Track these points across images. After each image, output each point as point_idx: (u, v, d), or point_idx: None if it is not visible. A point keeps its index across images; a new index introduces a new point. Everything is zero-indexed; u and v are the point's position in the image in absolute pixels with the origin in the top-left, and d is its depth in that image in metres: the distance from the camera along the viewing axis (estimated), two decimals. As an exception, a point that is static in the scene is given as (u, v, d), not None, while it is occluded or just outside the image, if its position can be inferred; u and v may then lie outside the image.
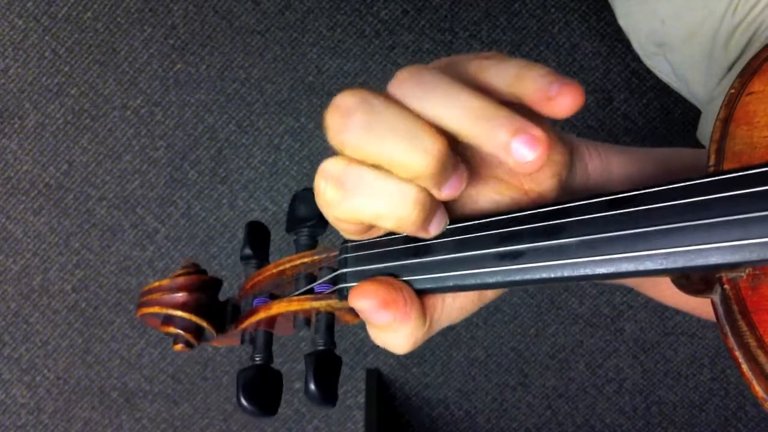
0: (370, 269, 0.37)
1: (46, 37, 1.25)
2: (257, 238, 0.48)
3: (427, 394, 1.29)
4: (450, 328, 1.27)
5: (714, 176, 0.31)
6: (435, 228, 0.34)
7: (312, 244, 0.44)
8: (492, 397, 1.29)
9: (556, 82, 0.30)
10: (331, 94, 1.24)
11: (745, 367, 0.31)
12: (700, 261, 0.30)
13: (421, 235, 0.34)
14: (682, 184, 0.31)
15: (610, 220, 0.32)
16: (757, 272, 0.30)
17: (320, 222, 0.45)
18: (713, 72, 0.64)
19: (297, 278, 0.43)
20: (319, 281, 0.41)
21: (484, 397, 1.28)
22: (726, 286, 0.30)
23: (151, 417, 1.30)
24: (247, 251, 0.47)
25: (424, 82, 0.31)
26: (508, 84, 0.31)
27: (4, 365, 1.30)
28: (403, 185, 0.31)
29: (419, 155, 0.30)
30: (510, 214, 0.35)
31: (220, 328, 0.46)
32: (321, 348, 0.40)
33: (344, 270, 0.38)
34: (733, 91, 0.34)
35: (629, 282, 0.52)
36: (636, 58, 0.78)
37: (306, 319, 0.42)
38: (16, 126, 1.27)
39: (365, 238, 0.37)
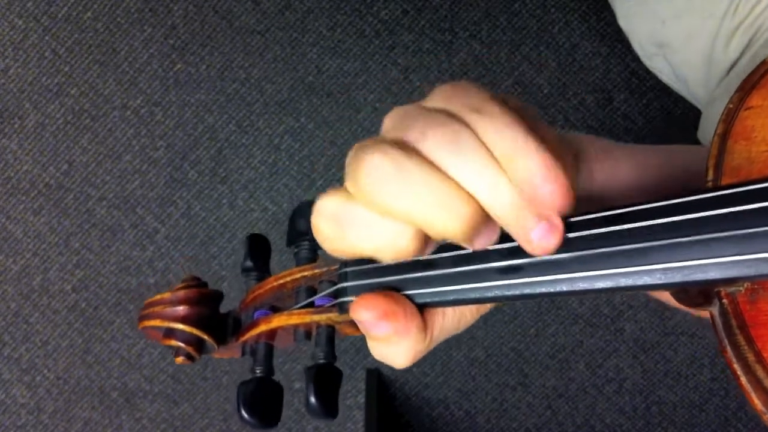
0: (370, 283, 0.37)
1: (46, 37, 1.25)
2: (258, 251, 0.48)
3: (427, 394, 1.29)
4: (450, 328, 1.27)
5: (712, 192, 0.31)
6: (432, 248, 0.34)
7: (312, 258, 0.44)
8: (492, 397, 1.29)
9: (549, 183, 0.30)
10: (331, 94, 1.24)
11: (743, 379, 0.31)
12: (698, 276, 0.30)
13: (420, 259, 0.34)
14: (680, 200, 0.31)
15: (609, 235, 0.32)
16: (756, 287, 0.30)
17: None
18: (713, 73, 0.64)
19: (297, 291, 0.43)
20: (320, 295, 0.41)
21: (484, 397, 1.28)
22: (724, 301, 0.30)
23: (151, 417, 1.30)
24: (248, 264, 0.47)
25: (461, 148, 0.30)
26: (499, 157, 0.31)
27: (4, 365, 1.30)
28: (398, 223, 0.31)
29: (453, 221, 0.30)
30: None
31: (221, 341, 0.46)
32: (321, 361, 0.41)
33: (344, 284, 0.39)
34: (731, 105, 0.34)
35: None
36: (636, 58, 0.78)
37: (306, 332, 0.42)
38: (16, 126, 1.27)
39: None
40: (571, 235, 0.33)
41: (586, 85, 1.22)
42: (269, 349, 0.45)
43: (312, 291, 0.42)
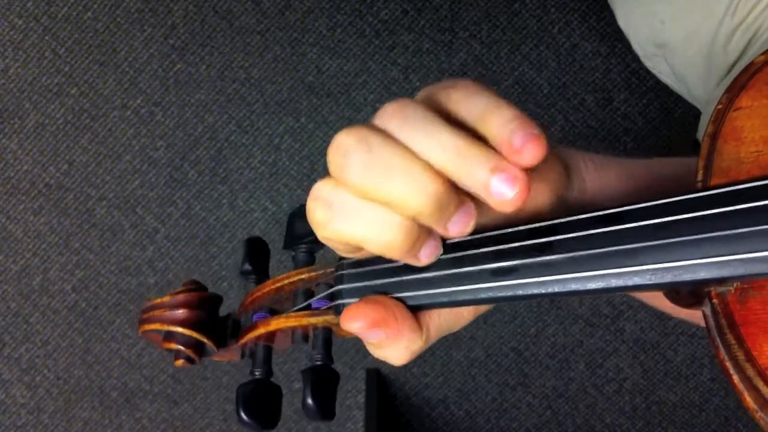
0: (365, 285, 0.38)
1: (46, 37, 1.25)
2: (257, 255, 0.48)
3: (427, 394, 1.29)
4: (450, 328, 1.27)
5: (701, 193, 0.31)
6: (426, 256, 0.34)
7: (310, 261, 0.45)
8: (492, 397, 1.29)
9: (519, 132, 0.30)
10: (331, 94, 1.24)
11: (735, 378, 0.31)
12: (688, 276, 0.30)
13: (412, 262, 0.34)
14: (670, 200, 0.32)
15: (600, 236, 0.32)
16: (745, 286, 0.30)
17: (318, 239, 0.45)
18: (713, 73, 0.64)
19: (295, 294, 0.43)
20: (317, 297, 0.42)
21: (484, 397, 1.28)
22: (714, 301, 0.31)
23: (151, 417, 1.31)
24: (247, 267, 0.48)
25: (407, 116, 0.31)
26: (474, 122, 0.31)
27: (4, 365, 1.30)
28: (389, 212, 0.32)
29: (417, 195, 0.30)
30: (504, 230, 0.35)
31: (221, 344, 0.47)
32: (318, 363, 0.41)
33: (341, 286, 0.39)
34: (720, 106, 0.34)
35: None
36: (636, 58, 0.78)
37: (304, 334, 0.43)
38: (16, 126, 1.27)
39: (359, 256, 0.38)
40: (562, 236, 0.33)
41: (586, 85, 1.22)
42: (268, 352, 0.45)
43: (309, 294, 0.43)
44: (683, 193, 0.31)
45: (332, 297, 0.40)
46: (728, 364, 0.31)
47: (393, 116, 0.32)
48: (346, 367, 1.27)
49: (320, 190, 0.32)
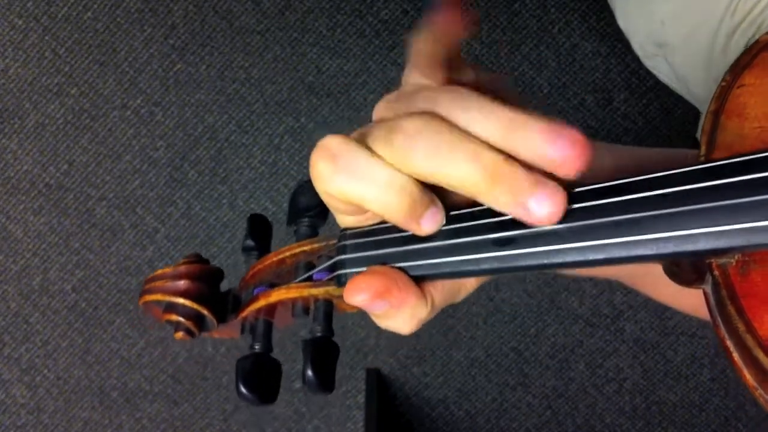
0: (367, 256, 0.38)
1: (46, 37, 1.25)
2: (259, 231, 0.48)
3: (427, 394, 1.29)
4: (450, 328, 1.27)
5: (703, 164, 0.32)
6: (428, 224, 0.34)
7: (312, 234, 0.45)
8: (492, 397, 1.29)
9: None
10: (331, 94, 1.24)
11: (735, 355, 0.31)
12: (689, 246, 0.30)
13: (413, 229, 0.34)
14: (672, 171, 0.32)
15: (601, 207, 0.32)
16: (747, 258, 0.30)
17: (320, 213, 0.45)
18: (713, 73, 0.64)
19: (297, 267, 0.43)
20: (318, 268, 0.41)
21: (484, 397, 1.28)
22: (716, 272, 0.31)
23: (151, 417, 1.31)
24: (249, 242, 0.47)
25: (458, 95, 0.32)
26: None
27: (4, 365, 1.30)
28: (393, 172, 0.32)
29: (482, 172, 0.31)
30: None
31: (221, 318, 0.46)
32: (319, 335, 0.41)
33: (342, 257, 0.39)
34: (724, 83, 0.35)
35: (628, 281, 0.52)
36: (636, 58, 0.79)
37: (305, 307, 0.43)
38: (16, 126, 1.27)
39: (362, 224, 0.38)
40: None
41: (586, 85, 1.22)
42: (268, 326, 0.45)
43: (311, 266, 0.43)
44: (686, 166, 0.32)
45: (334, 267, 0.40)
46: (728, 342, 0.31)
47: (450, 101, 0.32)
48: (346, 367, 1.27)
49: (327, 142, 0.33)
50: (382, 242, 0.37)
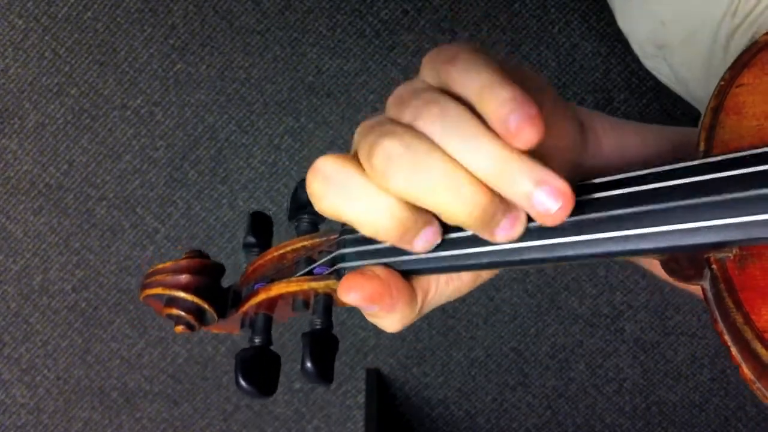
0: (367, 250, 0.38)
1: (46, 37, 1.25)
2: (260, 227, 0.48)
3: (427, 394, 1.29)
4: (450, 328, 1.27)
5: (702, 160, 0.32)
6: (420, 245, 0.34)
7: (313, 231, 0.45)
8: (492, 397, 1.29)
9: (515, 113, 0.29)
10: (331, 94, 1.24)
11: (734, 350, 0.32)
12: (688, 240, 0.31)
13: (406, 248, 0.34)
14: (671, 167, 0.32)
15: (600, 202, 0.33)
16: (744, 253, 0.31)
17: None
18: (713, 74, 0.64)
19: (297, 262, 0.44)
20: (318, 263, 0.42)
21: (484, 397, 1.28)
22: (714, 266, 0.31)
23: (151, 417, 1.31)
24: (250, 239, 0.48)
25: (449, 122, 0.31)
26: (473, 101, 0.31)
27: (4, 365, 1.30)
28: (384, 197, 0.32)
29: (463, 207, 0.31)
30: None
31: (222, 312, 0.47)
32: (318, 327, 0.41)
33: (342, 251, 0.39)
34: (723, 82, 0.35)
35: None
36: (636, 59, 0.78)
37: (305, 301, 0.43)
38: (16, 126, 1.27)
39: None
40: None
41: (586, 85, 1.22)
42: (268, 320, 0.45)
43: (311, 261, 0.43)
44: (685, 161, 0.32)
45: (333, 262, 0.40)
46: (727, 337, 0.32)
47: (435, 120, 0.31)
48: (346, 367, 1.27)
49: (321, 164, 0.33)
50: None
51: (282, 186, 1.25)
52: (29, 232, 1.28)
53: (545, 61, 1.22)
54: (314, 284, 0.41)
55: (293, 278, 0.42)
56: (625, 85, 1.21)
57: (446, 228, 0.35)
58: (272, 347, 0.44)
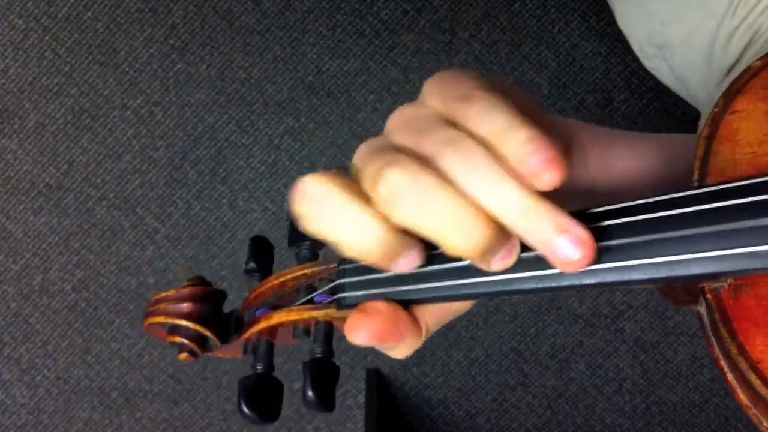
0: (367, 279, 0.38)
1: (46, 37, 1.25)
2: (261, 253, 0.49)
3: (427, 394, 1.29)
4: (450, 328, 1.27)
5: (695, 190, 0.32)
6: (401, 267, 0.34)
7: (313, 257, 0.45)
8: (492, 397, 1.29)
9: (537, 155, 0.29)
10: (331, 94, 1.24)
11: (729, 376, 0.32)
12: (681, 272, 0.31)
13: (386, 268, 0.34)
14: (664, 197, 0.32)
15: (593, 232, 0.32)
16: (738, 282, 0.31)
17: None
18: (713, 74, 0.64)
19: (298, 290, 0.44)
20: (318, 291, 0.42)
21: (484, 397, 1.29)
22: (708, 296, 0.31)
23: (151, 417, 1.31)
24: (252, 265, 0.48)
25: (471, 162, 0.31)
26: (492, 142, 0.31)
27: (4, 365, 1.30)
28: (367, 219, 0.32)
29: (467, 242, 0.31)
30: None
31: (224, 339, 0.47)
32: (319, 356, 0.41)
33: (342, 280, 0.40)
34: (717, 109, 0.35)
35: None
36: (636, 58, 0.78)
37: (305, 329, 0.43)
38: (16, 126, 1.27)
39: None
40: None
41: (586, 85, 1.22)
42: (270, 347, 0.45)
43: (312, 289, 0.43)
44: (679, 191, 0.32)
45: (334, 291, 0.41)
46: (722, 363, 0.32)
47: (458, 159, 0.31)
48: (346, 367, 1.27)
49: (307, 185, 0.33)
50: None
51: (282, 186, 1.25)
52: (29, 232, 1.28)
53: (545, 61, 1.22)
54: (315, 313, 0.42)
55: (294, 307, 0.43)
56: (625, 85, 1.21)
57: (447, 259, 0.35)
58: (274, 373, 0.45)
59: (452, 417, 1.29)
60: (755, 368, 0.29)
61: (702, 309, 0.32)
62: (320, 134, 1.25)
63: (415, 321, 0.37)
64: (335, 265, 0.41)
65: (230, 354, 0.50)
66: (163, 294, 0.47)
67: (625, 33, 0.75)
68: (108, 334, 1.29)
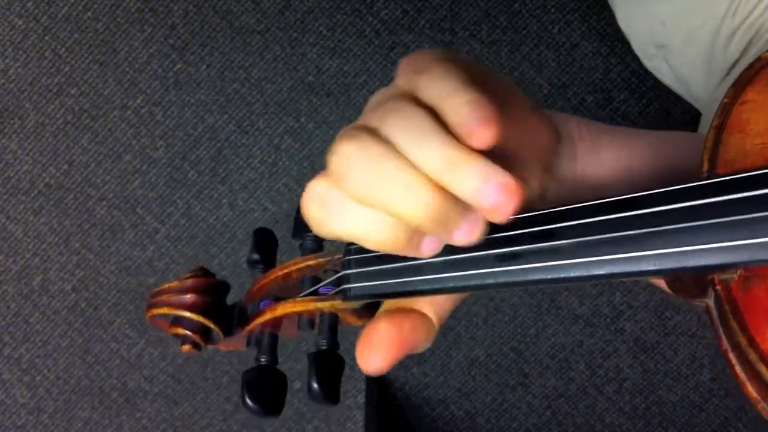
0: (372, 270, 0.38)
1: (46, 37, 1.25)
2: (265, 244, 0.49)
3: (427, 394, 1.29)
4: (450, 328, 1.27)
5: (706, 180, 0.32)
6: (427, 250, 0.34)
7: (317, 249, 0.45)
8: (492, 397, 1.29)
9: (472, 115, 0.30)
10: (331, 94, 1.24)
11: (738, 368, 0.31)
12: (691, 262, 0.31)
13: (414, 255, 0.34)
14: (675, 188, 0.32)
15: (604, 223, 0.33)
16: (748, 274, 0.31)
17: None
18: (713, 74, 0.64)
19: (302, 281, 0.44)
20: (324, 283, 0.42)
21: (484, 397, 1.28)
22: (717, 287, 0.31)
23: (151, 417, 1.31)
24: (255, 256, 0.48)
25: (404, 123, 0.31)
26: (436, 107, 0.32)
27: (4, 365, 1.30)
28: (379, 213, 0.32)
29: (417, 207, 0.31)
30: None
31: (227, 331, 0.47)
32: (324, 348, 0.41)
33: (348, 271, 0.39)
34: (726, 100, 0.34)
35: None
36: (636, 58, 0.79)
37: (310, 320, 0.43)
38: (16, 126, 1.27)
39: None
40: (566, 223, 0.34)
41: (586, 85, 1.22)
42: (274, 339, 0.45)
43: (317, 281, 0.43)
44: (689, 182, 0.32)
45: (339, 282, 0.40)
46: (731, 355, 0.31)
47: (395, 124, 0.32)
48: (346, 368, 1.27)
49: (316, 188, 0.33)
50: (386, 257, 0.37)
51: (282, 186, 1.25)
52: (29, 232, 1.28)
53: (545, 61, 1.22)
54: (320, 304, 0.41)
55: (298, 298, 0.42)
56: (625, 85, 1.21)
57: (453, 250, 0.35)
58: (278, 366, 0.44)
59: (452, 417, 1.29)
60: (765, 359, 0.29)
61: (710, 301, 0.32)
62: (320, 134, 1.25)
63: (423, 317, 0.37)
64: (340, 256, 0.41)
65: (233, 347, 0.49)
66: (166, 285, 0.47)
67: (626, 33, 0.75)
68: (108, 334, 1.29)
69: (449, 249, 0.35)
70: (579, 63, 1.22)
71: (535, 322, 1.26)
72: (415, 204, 0.31)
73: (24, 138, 1.27)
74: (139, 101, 1.26)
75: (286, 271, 0.44)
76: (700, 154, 0.34)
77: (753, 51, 0.59)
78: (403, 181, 0.31)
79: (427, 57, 0.34)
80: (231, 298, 0.49)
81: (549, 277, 0.34)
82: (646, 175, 0.40)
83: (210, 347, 0.48)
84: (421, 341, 0.37)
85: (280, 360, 0.44)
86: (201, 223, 1.27)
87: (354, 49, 1.23)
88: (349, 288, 0.39)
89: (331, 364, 0.41)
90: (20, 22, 1.25)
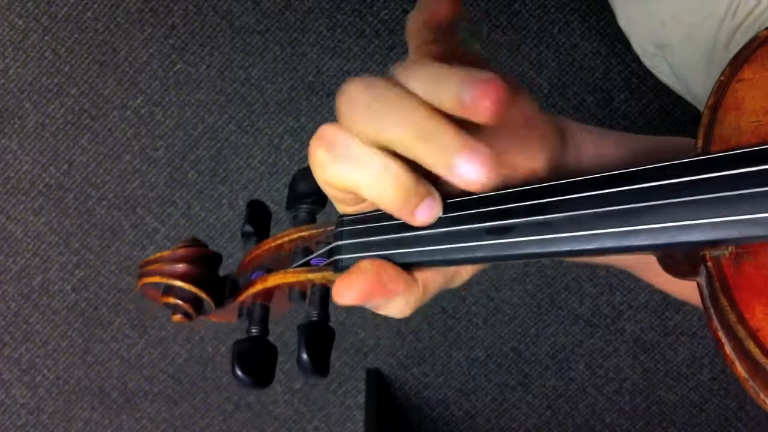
0: (364, 242, 0.38)
1: (46, 37, 1.25)
2: (259, 216, 0.49)
3: (427, 394, 1.29)
4: (450, 328, 1.27)
5: (699, 156, 0.32)
6: (423, 215, 0.34)
7: (310, 221, 0.45)
8: (492, 397, 1.29)
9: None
10: (331, 94, 1.24)
11: (727, 347, 0.31)
12: (683, 237, 0.31)
13: (408, 220, 0.34)
14: (668, 163, 0.32)
15: (596, 197, 0.33)
16: (740, 251, 0.31)
17: (319, 199, 0.46)
18: (713, 73, 0.64)
19: (294, 253, 0.44)
20: (315, 254, 0.42)
21: (484, 397, 1.28)
22: (709, 264, 0.31)
23: (151, 417, 1.31)
24: (248, 228, 0.48)
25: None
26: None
27: (4, 365, 1.30)
28: (387, 159, 0.32)
29: (411, 127, 0.32)
30: (500, 190, 0.36)
31: (219, 302, 0.47)
32: (314, 319, 0.41)
33: (339, 242, 0.39)
34: (723, 78, 0.35)
35: (626, 265, 0.52)
36: (636, 58, 0.78)
37: (301, 292, 0.43)
38: (16, 126, 1.27)
39: (360, 210, 0.39)
40: (558, 198, 0.34)
41: (586, 85, 1.22)
42: (265, 311, 0.45)
43: (309, 252, 0.43)
44: (682, 158, 0.32)
45: (331, 253, 0.40)
46: (720, 333, 0.31)
47: (398, 69, 0.33)
48: (346, 368, 1.27)
49: (325, 130, 0.33)
50: (378, 229, 0.38)
51: (282, 186, 1.25)
52: (29, 232, 1.28)
53: (545, 61, 1.22)
54: (311, 275, 0.41)
55: (290, 269, 0.42)
56: (625, 85, 1.21)
57: (446, 222, 0.35)
58: (269, 338, 0.44)
59: (452, 417, 1.29)
60: (754, 336, 0.29)
61: (702, 280, 0.32)
62: (320, 134, 1.24)
63: (406, 277, 0.37)
64: (332, 227, 0.41)
65: (225, 318, 0.49)
66: (157, 254, 0.46)
67: (626, 32, 0.75)
68: (108, 334, 1.29)
69: (440, 222, 0.35)
70: (579, 63, 1.22)
71: (535, 322, 1.26)
72: (413, 127, 0.31)
73: (24, 138, 1.27)
74: (139, 101, 1.26)
75: (278, 242, 0.44)
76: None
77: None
78: (398, 106, 0.31)
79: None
80: (227, 273, 0.49)
81: (538, 251, 0.34)
82: None
83: (201, 318, 0.48)
84: (399, 293, 0.36)
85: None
86: (201, 223, 1.27)
87: (354, 49, 1.24)
88: (341, 259, 0.39)
89: (321, 335, 0.40)
90: (20, 22, 1.25)
